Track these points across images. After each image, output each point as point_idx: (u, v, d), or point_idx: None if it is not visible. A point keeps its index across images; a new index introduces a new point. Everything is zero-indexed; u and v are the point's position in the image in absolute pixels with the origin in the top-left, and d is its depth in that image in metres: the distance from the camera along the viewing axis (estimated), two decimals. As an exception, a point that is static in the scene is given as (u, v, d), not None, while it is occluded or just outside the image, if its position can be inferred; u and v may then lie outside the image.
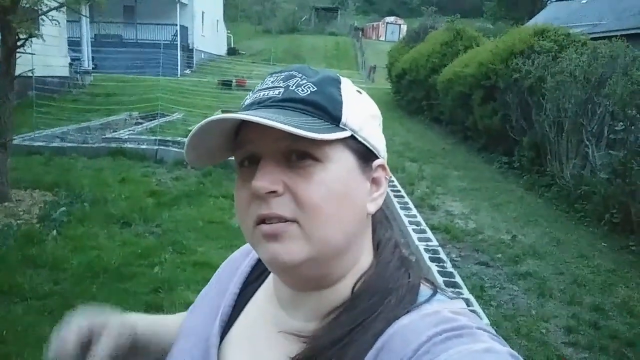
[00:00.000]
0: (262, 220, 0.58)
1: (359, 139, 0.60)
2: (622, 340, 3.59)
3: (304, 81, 0.60)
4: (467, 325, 0.54)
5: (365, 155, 0.61)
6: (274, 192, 0.56)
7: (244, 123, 0.58)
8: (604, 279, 4.60)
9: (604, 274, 4.73)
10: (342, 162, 0.59)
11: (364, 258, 0.64)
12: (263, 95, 0.60)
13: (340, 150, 0.59)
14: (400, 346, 0.54)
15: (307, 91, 0.59)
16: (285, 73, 0.62)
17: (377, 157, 0.64)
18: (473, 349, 0.50)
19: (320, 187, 0.57)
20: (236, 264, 0.79)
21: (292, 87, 0.59)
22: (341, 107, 0.59)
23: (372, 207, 0.63)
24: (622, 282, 4.56)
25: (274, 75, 0.63)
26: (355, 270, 0.63)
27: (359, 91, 0.65)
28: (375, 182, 0.63)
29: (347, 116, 0.59)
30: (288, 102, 0.58)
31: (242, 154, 0.60)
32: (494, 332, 0.56)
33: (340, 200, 0.58)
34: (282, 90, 0.59)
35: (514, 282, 4.48)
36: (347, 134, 0.59)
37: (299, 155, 0.57)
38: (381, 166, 0.64)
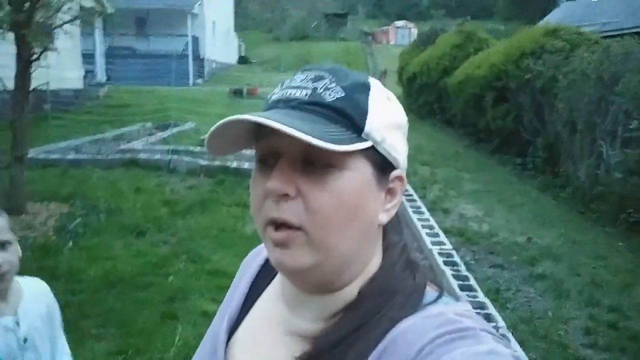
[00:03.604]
0: (272, 222, 0.58)
1: (379, 150, 0.60)
2: (642, 341, 3.53)
3: (333, 84, 0.59)
4: (471, 327, 0.54)
5: (383, 166, 0.61)
6: (286, 195, 0.57)
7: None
8: (622, 280, 4.54)
9: (622, 274, 4.67)
10: (359, 171, 0.59)
11: (373, 262, 0.64)
12: (290, 94, 0.60)
13: (359, 159, 0.58)
14: (404, 347, 0.54)
15: (334, 97, 0.58)
16: (316, 73, 0.61)
17: (395, 168, 0.63)
18: (476, 351, 0.51)
19: (333, 197, 0.57)
20: (248, 265, 0.81)
21: (319, 90, 0.59)
22: (366, 117, 0.59)
23: (385, 218, 0.63)
24: (640, 282, 4.49)
25: (304, 72, 0.62)
26: (364, 274, 0.63)
27: (388, 97, 0.64)
28: (390, 192, 0.63)
29: (370, 127, 0.59)
30: (313, 106, 0.58)
31: (264, 147, 0.60)
32: (498, 334, 0.56)
33: (350, 212, 0.58)
34: (309, 92, 0.59)
35: (530, 284, 4.43)
36: (367, 144, 0.58)
37: (316, 159, 0.57)
38: (398, 177, 0.63)
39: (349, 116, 0.58)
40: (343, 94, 0.58)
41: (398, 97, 0.66)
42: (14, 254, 1.45)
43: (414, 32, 38.24)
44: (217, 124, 0.58)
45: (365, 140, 0.58)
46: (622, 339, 3.55)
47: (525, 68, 8.38)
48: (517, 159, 9.02)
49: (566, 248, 5.30)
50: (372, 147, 0.59)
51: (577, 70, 7.04)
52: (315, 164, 0.57)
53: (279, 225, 0.58)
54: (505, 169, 9.09)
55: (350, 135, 0.57)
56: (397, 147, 0.62)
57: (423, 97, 15.32)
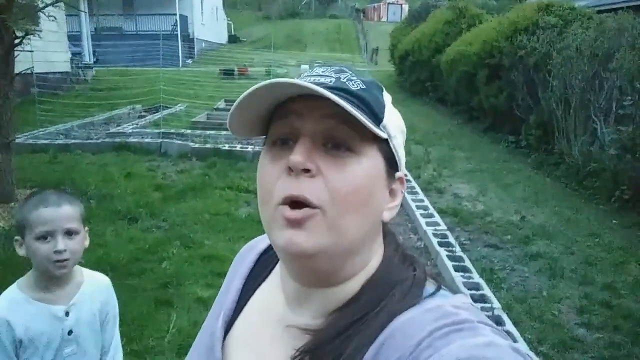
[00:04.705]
0: (288, 202, 0.58)
1: (391, 146, 0.63)
2: (636, 319, 3.55)
3: (354, 77, 0.62)
4: (468, 320, 0.55)
5: (391, 163, 0.64)
6: (308, 170, 0.57)
7: (291, 98, 0.60)
8: (616, 257, 4.56)
9: (616, 252, 4.68)
10: (374, 161, 0.61)
11: (374, 260, 0.65)
12: (315, 79, 0.61)
13: (374, 150, 0.61)
14: (402, 340, 0.54)
15: (358, 87, 0.61)
16: (336, 67, 0.64)
17: (397, 170, 0.66)
18: (474, 343, 0.51)
19: (352, 179, 0.58)
20: (242, 259, 0.81)
21: (343, 79, 0.61)
22: (383, 111, 0.62)
23: (387, 216, 0.64)
24: (634, 260, 4.51)
25: (323, 66, 0.65)
26: (366, 270, 0.64)
27: (392, 103, 0.67)
28: (392, 193, 0.65)
29: (387, 121, 0.62)
30: (340, 91, 0.59)
31: (282, 128, 0.61)
32: (496, 326, 0.56)
33: (366, 197, 0.60)
34: (333, 79, 0.61)
35: (524, 263, 4.44)
36: (384, 136, 0.61)
37: (336, 143, 0.59)
38: (400, 179, 0.66)
39: (370, 106, 0.61)
40: (364, 87, 0.61)
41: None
42: (78, 243, 1.46)
43: (405, 8, 37.89)
44: (251, 89, 0.58)
45: (383, 132, 0.61)
46: (615, 317, 3.57)
47: (518, 45, 8.30)
48: (510, 137, 9.01)
49: (560, 226, 5.31)
50: (385, 142, 0.62)
51: (571, 46, 6.97)
52: (333, 147, 0.59)
53: (296, 204, 0.58)
54: (498, 147, 9.08)
55: (371, 123, 0.59)
56: (402, 149, 0.66)
57: (415, 75, 15.22)
